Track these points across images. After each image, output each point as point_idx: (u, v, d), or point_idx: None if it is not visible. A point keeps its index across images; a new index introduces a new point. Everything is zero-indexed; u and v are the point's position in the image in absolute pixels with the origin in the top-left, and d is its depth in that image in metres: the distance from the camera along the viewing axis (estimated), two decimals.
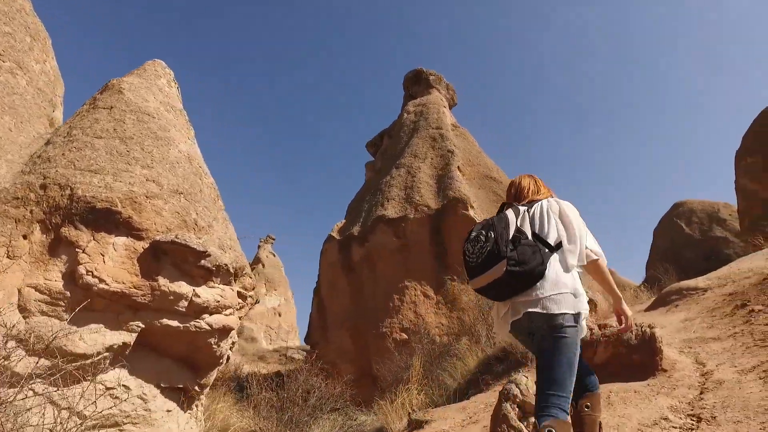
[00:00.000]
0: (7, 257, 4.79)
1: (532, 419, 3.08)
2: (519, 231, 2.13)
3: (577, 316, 2.02)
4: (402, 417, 5.87)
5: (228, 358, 6.95)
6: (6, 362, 3.63)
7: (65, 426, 3.22)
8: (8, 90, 6.16)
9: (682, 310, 6.62)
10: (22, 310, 4.71)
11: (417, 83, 21.28)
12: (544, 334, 2.01)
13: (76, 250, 5.20)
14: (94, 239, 5.34)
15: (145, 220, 5.70)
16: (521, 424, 3.01)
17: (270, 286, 33.18)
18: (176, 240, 5.74)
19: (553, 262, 2.07)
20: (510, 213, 2.24)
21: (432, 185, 15.30)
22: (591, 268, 2.19)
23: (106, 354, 5.14)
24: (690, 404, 3.37)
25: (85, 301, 5.01)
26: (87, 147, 5.94)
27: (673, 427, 3.06)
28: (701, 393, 3.52)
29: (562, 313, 1.98)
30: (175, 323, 5.71)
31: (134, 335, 5.43)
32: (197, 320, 5.93)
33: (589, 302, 2.37)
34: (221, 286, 6.26)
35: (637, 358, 4.31)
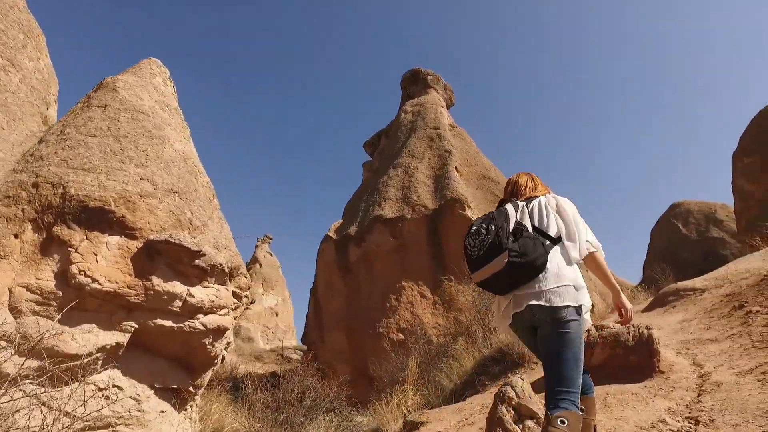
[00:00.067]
0: None
1: (528, 422, 3.05)
2: (519, 224, 2.14)
3: (579, 309, 2.02)
4: (397, 418, 5.83)
5: (223, 359, 6.90)
6: None
7: (55, 427, 3.17)
8: (0, 88, 6.10)
9: (680, 311, 6.60)
10: (13, 310, 4.64)
11: (415, 83, 21.26)
12: (547, 328, 2.02)
13: (69, 249, 5.13)
14: (87, 238, 5.28)
15: (139, 220, 5.64)
16: (516, 427, 2.97)
17: (267, 286, 33.12)
18: (170, 239, 5.68)
19: (554, 255, 2.08)
20: (509, 207, 2.25)
21: (429, 185, 15.27)
22: (589, 260, 2.19)
23: (99, 354, 5.08)
24: (688, 407, 3.34)
25: (78, 301, 4.98)
26: (80, 145, 5.87)
27: (670, 430, 3.02)
28: (699, 395, 3.49)
29: (565, 306, 1.98)
30: (169, 323, 5.65)
31: (127, 335, 5.37)
32: (191, 320, 5.87)
33: None
34: (216, 285, 6.21)
35: (635, 360, 4.28)
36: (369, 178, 19.59)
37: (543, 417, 3.08)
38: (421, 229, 14.31)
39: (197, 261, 5.85)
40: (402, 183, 15.63)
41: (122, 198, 5.58)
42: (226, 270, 6.32)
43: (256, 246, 35.94)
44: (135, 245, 5.55)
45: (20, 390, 3.54)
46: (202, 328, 5.91)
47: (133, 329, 5.37)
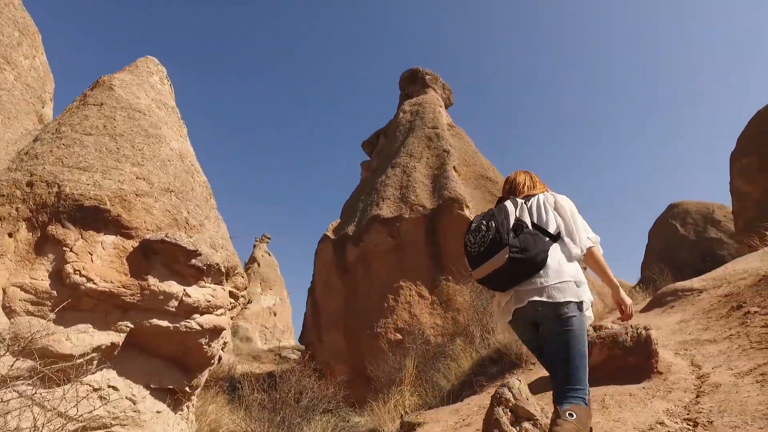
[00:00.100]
0: None
1: (525, 424, 3.03)
2: (519, 220, 2.14)
3: (580, 305, 2.04)
4: (395, 419, 5.80)
5: (220, 359, 6.86)
6: None
7: (47, 428, 3.13)
8: None
9: (678, 311, 6.58)
10: (7, 309, 4.60)
11: (413, 82, 21.23)
12: (550, 324, 2.02)
13: (64, 248, 5.09)
14: (82, 238, 5.24)
15: (135, 219, 5.60)
16: (513, 429, 2.94)
17: (265, 286, 33.05)
18: (166, 239, 5.64)
19: (554, 251, 2.09)
20: (509, 204, 2.25)
21: (427, 185, 15.24)
22: (587, 256, 2.20)
23: (94, 354, 5.04)
24: (686, 408, 3.31)
25: (73, 301, 4.94)
26: (76, 144, 5.83)
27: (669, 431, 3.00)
28: (697, 396, 3.47)
29: (567, 302, 1.99)
30: (165, 323, 5.61)
31: (123, 335, 5.33)
32: (188, 320, 5.83)
33: None
34: (212, 285, 6.18)
35: (633, 361, 4.25)
36: (367, 177, 19.56)
37: (540, 419, 3.06)
38: (419, 228, 14.28)
39: (193, 260, 5.81)
40: (400, 183, 15.60)
41: (118, 197, 5.54)
42: (223, 270, 6.29)
43: (255, 245, 35.85)
44: (131, 244, 5.51)
45: (13, 391, 3.51)
46: (198, 328, 5.87)
47: (128, 329, 5.33)
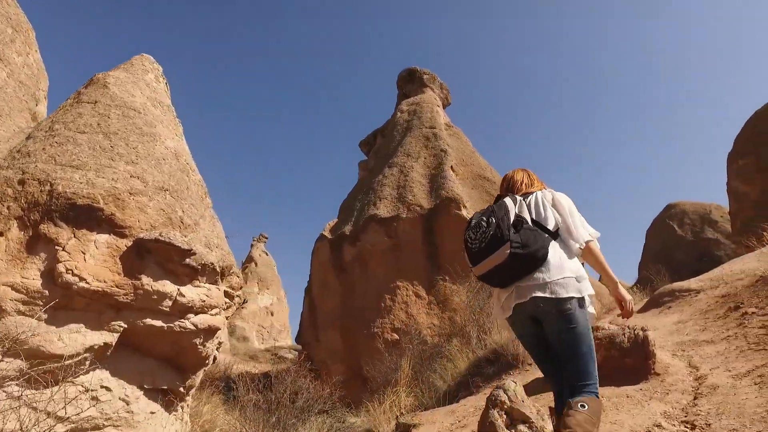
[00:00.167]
0: None
1: (520, 426, 2.99)
2: (519, 216, 2.14)
3: (582, 301, 2.03)
4: (390, 420, 5.77)
5: (215, 359, 6.81)
6: None
7: (35, 429, 3.08)
8: None
9: (675, 312, 6.56)
10: None
11: (411, 82, 21.19)
12: (553, 321, 2.02)
13: (56, 247, 5.03)
14: (74, 236, 5.18)
15: (129, 218, 5.55)
16: None
17: (262, 285, 32.97)
18: (160, 238, 5.59)
19: (554, 247, 2.09)
20: (508, 200, 2.24)
21: (425, 185, 15.20)
22: (585, 251, 2.19)
23: (87, 355, 4.98)
24: (684, 410, 3.28)
25: (65, 300, 4.88)
26: (69, 142, 5.77)
27: None
28: (695, 398, 3.44)
29: (569, 297, 1.99)
30: (158, 323, 5.56)
31: (116, 335, 5.27)
32: (182, 320, 5.78)
33: None
34: (207, 285, 6.12)
35: (630, 362, 4.22)
36: (364, 177, 19.51)
37: (536, 421, 3.02)
38: (416, 228, 14.24)
39: (188, 260, 5.76)
40: (397, 182, 15.56)
41: (111, 195, 5.48)
42: (218, 269, 6.24)
43: (252, 245, 35.75)
44: (124, 243, 5.45)
45: (2, 391, 3.46)
46: (192, 328, 5.82)
47: (121, 329, 5.28)
